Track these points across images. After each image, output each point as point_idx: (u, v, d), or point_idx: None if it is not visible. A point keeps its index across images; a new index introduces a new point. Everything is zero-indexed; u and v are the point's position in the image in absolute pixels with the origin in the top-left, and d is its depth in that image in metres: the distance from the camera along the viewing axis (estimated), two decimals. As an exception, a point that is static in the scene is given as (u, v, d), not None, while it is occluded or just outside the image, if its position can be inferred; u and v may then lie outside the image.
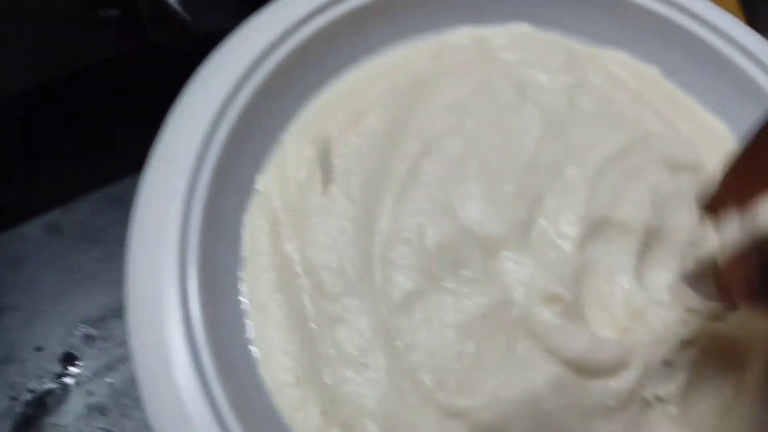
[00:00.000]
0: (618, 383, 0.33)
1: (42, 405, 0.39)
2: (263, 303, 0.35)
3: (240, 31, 0.38)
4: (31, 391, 0.39)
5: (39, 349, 0.40)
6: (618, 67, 0.46)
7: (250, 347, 0.34)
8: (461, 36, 0.45)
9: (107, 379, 0.40)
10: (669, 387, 0.35)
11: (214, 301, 0.33)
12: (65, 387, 0.39)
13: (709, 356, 0.35)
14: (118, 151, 0.43)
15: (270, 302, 0.35)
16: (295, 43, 0.39)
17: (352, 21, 0.42)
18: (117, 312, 0.40)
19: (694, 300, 0.35)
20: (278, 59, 0.39)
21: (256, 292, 0.36)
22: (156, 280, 0.32)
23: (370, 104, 0.40)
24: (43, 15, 0.42)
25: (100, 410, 0.40)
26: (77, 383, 0.40)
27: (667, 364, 0.34)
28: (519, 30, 0.46)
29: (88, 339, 0.40)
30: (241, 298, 0.36)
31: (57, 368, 0.40)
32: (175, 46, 0.40)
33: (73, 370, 0.40)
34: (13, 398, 0.39)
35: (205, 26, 0.39)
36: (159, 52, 0.42)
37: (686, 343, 0.35)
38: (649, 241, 0.38)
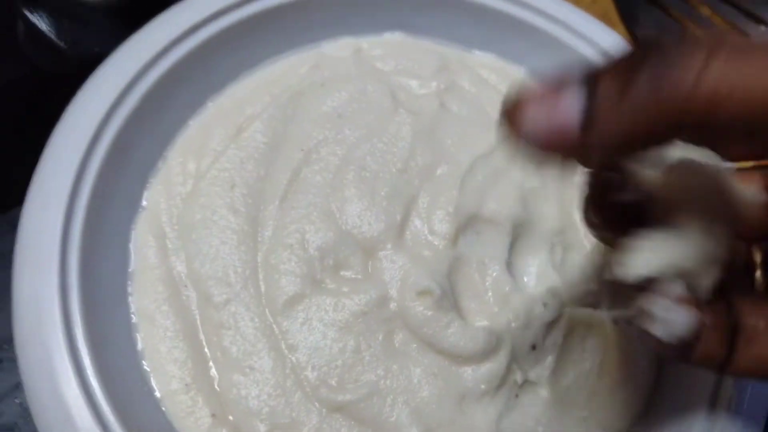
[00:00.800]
0: (488, 368, 0.36)
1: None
2: (151, 316, 0.37)
3: (116, 53, 0.40)
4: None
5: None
6: (486, 69, 0.49)
7: (141, 360, 0.36)
8: (339, 47, 0.47)
9: (16, 400, 0.41)
10: (538, 370, 0.37)
11: (100, 318, 0.35)
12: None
13: (572, 340, 0.38)
14: (15, 177, 0.44)
15: (158, 314, 0.37)
16: (171, 62, 0.41)
17: (230, 38, 0.43)
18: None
19: (553, 284, 0.38)
20: (155, 78, 0.40)
21: (144, 305, 0.37)
22: (38, 301, 0.33)
23: (251, 117, 0.42)
24: None
25: (9, 430, 0.40)
26: (-15, 406, 0.41)
27: (534, 347, 0.37)
28: (394, 39, 0.49)
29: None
30: (131, 313, 0.37)
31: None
32: (57, 71, 0.41)
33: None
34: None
35: (81, 52, 0.40)
36: (44, 77, 0.43)
37: (549, 327, 0.38)
38: (518, 232, 0.41)
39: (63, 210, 0.35)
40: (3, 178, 0.45)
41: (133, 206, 0.39)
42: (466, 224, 0.40)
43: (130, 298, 0.37)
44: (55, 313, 0.33)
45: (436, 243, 0.39)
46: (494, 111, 0.46)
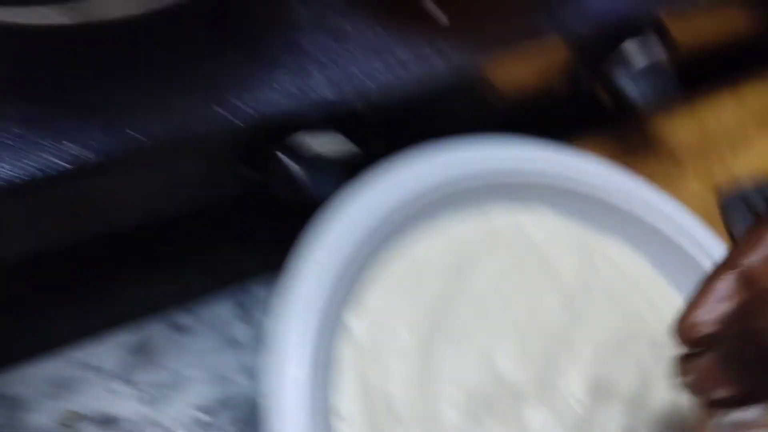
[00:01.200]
0: None
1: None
2: (350, 415, 0.46)
3: (342, 197, 0.51)
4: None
5: (157, 425, 0.50)
6: (615, 252, 0.60)
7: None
8: (500, 216, 0.58)
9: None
10: None
11: (315, 411, 0.44)
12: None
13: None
14: (222, 267, 0.55)
15: (355, 414, 0.46)
16: (379, 218, 0.52)
17: (423, 202, 0.54)
18: (224, 402, 0.51)
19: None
20: (367, 228, 0.51)
21: (344, 406, 0.47)
22: (280, 393, 0.43)
23: (434, 271, 0.53)
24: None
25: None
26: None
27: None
28: (544, 214, 0.59)
29: (204, 425, 0.50)
30: (333, 413, 0.46)
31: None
32: (296, 203, 0.51)
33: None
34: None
35: (320, 193, 0.51)
36: (273, 198, 0.53)
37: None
38: (637, 404, 0.51)
39: (299, 332, 0.45)
40: (225, 263, 0.57)
41: (339, 326, 0.49)
42: (596, 389, 0.50)
43: (332, 399, 0.47)
44: (290, 406, 0.43)
45: (571, 402, 0.49)
46: (623, 292, 0.57)
